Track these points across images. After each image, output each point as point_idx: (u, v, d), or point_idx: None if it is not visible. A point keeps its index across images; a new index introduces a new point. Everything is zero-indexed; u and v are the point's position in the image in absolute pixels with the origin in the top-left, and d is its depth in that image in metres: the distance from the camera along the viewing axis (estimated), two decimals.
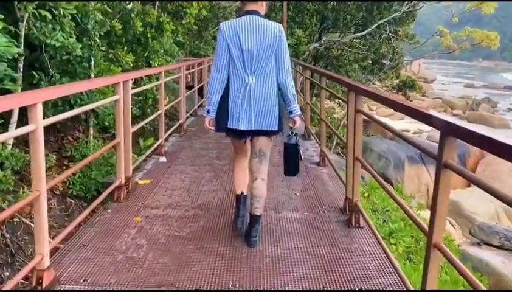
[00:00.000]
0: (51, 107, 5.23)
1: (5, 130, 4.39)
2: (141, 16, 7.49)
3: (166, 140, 6.36)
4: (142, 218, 3.58)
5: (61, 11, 4.66)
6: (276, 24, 3.00)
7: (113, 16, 6.62)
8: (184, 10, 9.17)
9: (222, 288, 2.59)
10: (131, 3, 7.20)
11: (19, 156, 4.48)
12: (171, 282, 2.63)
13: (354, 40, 18.02)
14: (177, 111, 8.71)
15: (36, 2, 4.46)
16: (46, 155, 5.21)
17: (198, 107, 9.88)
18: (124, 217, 3.59)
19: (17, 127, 4.49)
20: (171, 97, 9.63)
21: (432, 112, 1.91)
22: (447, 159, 1.75)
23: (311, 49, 17.17)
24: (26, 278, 2.94)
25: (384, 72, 18.52)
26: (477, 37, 18.54)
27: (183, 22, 9.28)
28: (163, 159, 5.56)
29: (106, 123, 6.39)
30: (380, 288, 2.61)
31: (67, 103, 5.48)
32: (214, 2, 13.92)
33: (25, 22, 4.55)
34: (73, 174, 5.30)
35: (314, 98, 15.67)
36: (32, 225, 4.13)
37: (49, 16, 4.48)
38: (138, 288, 2.57)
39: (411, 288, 2.43)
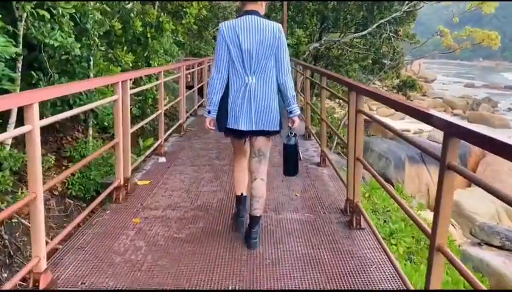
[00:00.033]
0: (50, 107, 5.21)
1: (4, 130, 4.36)
2: (141, 16, 7.46)
3: (165, 140, 6.34)
4: (141, 219, 3.55)
5: (60, 11, 4.63)
6: (275, 23, 2.99)
7: (112, 16, 6.58)
8: (184, 9, 9.14)
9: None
10: (131, 3, 7.16)
11: (18, 156, 4.45)
12: (170, 285, 2.60)
13: (355, 40, 17.99)
14: (177, 110, 8.68)
15: (35, 2, 4.42)
16: (45, 155, 5.24)
17: (198, 107, 9.85)
18: (123, 218, 3.56)
19: (15, 127, 4.45)
20: (171, 97, 9.60)
21: (435, 112, 1.87)
22: (450, 160, 1.72)
23: (311, 49, 17.14)
24: (24, 279, 2.92)
25: (384, 71, 18.49)
26: (478, 37, 18.52)
27: (183, 21, 9.25)
28: (162, 159, 5.53)
29: (106, 123, 6.36)
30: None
31: (66, 103, 5.45)
32: (214, 2, 13.89)
33: (23, 21, 4.51)
34: (72, 175, 5.28)
35: (314, 98, 15.63)
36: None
37: (47, 15, 4.45)
38: (138, 288, 2.55)
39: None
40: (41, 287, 2.38)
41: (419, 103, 29.71)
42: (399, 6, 17.08)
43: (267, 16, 3.16)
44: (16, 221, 4.33)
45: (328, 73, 6.18)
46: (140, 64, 7.73)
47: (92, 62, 5.81)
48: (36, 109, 2.22)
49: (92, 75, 5.79)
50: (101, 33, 5.91)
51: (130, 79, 4.28)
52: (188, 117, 8.57)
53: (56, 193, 5.16)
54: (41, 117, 2.41)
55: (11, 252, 4.14)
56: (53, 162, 5.21)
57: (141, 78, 7.85)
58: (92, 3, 5.51)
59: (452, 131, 1.70)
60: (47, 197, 4.96)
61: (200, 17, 10.64)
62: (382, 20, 16.71)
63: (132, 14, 7.06)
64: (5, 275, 3.89)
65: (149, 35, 7.53)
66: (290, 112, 3.12)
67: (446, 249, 1.76)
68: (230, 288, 2.59)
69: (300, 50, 15.88)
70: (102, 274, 2.68)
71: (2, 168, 4.32)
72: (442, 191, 1.76)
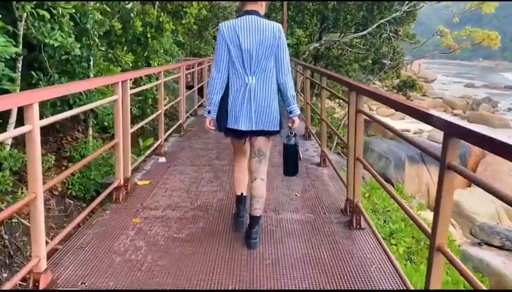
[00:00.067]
0: (50, 107, 5.21)
1: (4, 130, 4.36)
2: (141, 16, 7.46)
3: (165, 140, 6.33)
4: (141, 220, 3.54)
5: (60, 11, 4.63)
6: (275, 23, 2.99)
7: (112, 16, 6.58)
8: (184, 9, 9.13)
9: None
10: (130, 3, 7.16)
11: (18, 156, 4.45)
12: (170, 285, 2.59)
13: (355, 40, 17.98)
14: (177, 110, 8.68)
15: (35, 2, 4.42)
16: (45, 155, 5.23)
17: (198, 107, 9.85)
18: (123, 218, 3.56)
19: (15, 127, 4.45)
20: (171, 97, 9.60)
21: (435, 112, 1.87)
22: (450, 161, 1.72)
23: (311, 49, 17.14)
24: (24, 280, 2.92)
25: (384, 71, 18.49)
26: (478, 37, 18.52)
27: (183, 21, 9.24)
28: (162, 159, 5.53)
29: (106, 123, 6.36)
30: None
31: (66, 103, 5.45)
32: (214, 2, 13.89)
33: (23, 21, 4.51)
34: (72, 175, 5.28)
35: (314, 98, 15.62)
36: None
37: (47, 15, 4.45)
38: (138, 288, 2.55)
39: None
40: (41, 287, 2.38)
41: (419, 103, 29.70)
42: (399, 6, 17.07)
43: (267, 16, 3.17)
44: (16, 221, 4.33)
45: (328, 73, 6.18)
46: (140, 64, 7.73)
47: (92, 62, 5.81)
48: (36, 109, 2.22)
49: (92, 75, 5.78)
50: (101, 33, 5.90)
51: (130, 80, 4.28)
52: (188, 117, 8.57)
53: (56, 193, 5.16)
54: (41, 117, 2.41)
55: (11, 252, 4.14)
56: (53, 162, 5.21)
57: (141, 78, 7.85)
58: (92, 3, 5.51)
59: (452, 131, 1.70)
60: (47, 197, 4.96)
61: (201, 17, 10.64)
62: (382, 20, 16.70)
63: (132, 14, 7.06)
64: (5, 275, 3.89)
65: (149, 35, 7.53)
66: (290, 112, 3.12)
67: (446, 249, 1.76)
68: (230, 288, 2.58)
69: (300, 50, 15.87)
70: (102, 274, 2.68)
71: (2, 168, 4.32)
72: (442, 191, 1.76)
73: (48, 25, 4.63)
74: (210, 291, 2.56)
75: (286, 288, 2.59)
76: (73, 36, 5.00)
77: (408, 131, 25.80)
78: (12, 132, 2.69)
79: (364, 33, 17.03)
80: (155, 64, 7.82)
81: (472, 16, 30.57)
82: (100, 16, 5.67)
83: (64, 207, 5.16)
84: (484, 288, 1.66)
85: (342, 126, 16.02)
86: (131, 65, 6.82)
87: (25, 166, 4.53)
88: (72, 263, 2.79)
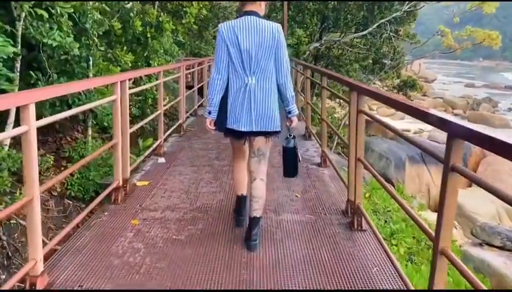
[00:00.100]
0: (49, 107, 5.18)
1: (2, 130, 4.34)
2: (141, 16, 7.43)
3: (165, 140, 6.30)
4: (140, 221, 3.51)
5: (58, 10, 4.59)
6: (274, 24, 2.98)
7: (112, 16, 6.55)
8: (184, 9, 9.10)
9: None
10: (130, 3, 7.13)
11: (16, 156, 4.42)
12: (168, 288, 2.56)
13: (355, 40, 17.95)
14: (177, 110, 8.65)
15: (33, 2, 4.39)
16: (44, 155, 5.20)
17: (198, 107, 9.82)
18: (121, 220, 3.52)
19: (14, 127, 4.42)
20: (171, 97, 9.57)
21: (439, 113, 1.83)
22: (454, 162, 1.68)
23: (312, 49, 17.10)
24: (22, 281, 2.88)
25: (384, 71, 18.46)
26: (479, 36, 18.49)
27: (183, 21, 9.21)
28: (162, 159, 5.50)
29: (105, 124, 6.34)
30: None
31: (65, 103, 5.42)
32: (214, 2, 13.86)
33: (22, 21, 4.48)
34: (71, 175, 5.25)
35: (314, 98, 15.59)
36: None
37: (46, 15, 4.41)
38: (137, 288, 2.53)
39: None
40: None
41: (419, 103, 29.66)
42: (399, 6, 17.04)
43: (267, 16, 3.15)
44: (15, 222, 4.30)
45: (329, 73, 6.14)
46: (140, 64, 7.70)
47: (91, 62, 5.78)
48: (32, 110, 2.18)
49: (91, 75, 5.75)
50: (101, 33, 5.88)
51: (129, 79, 4.25)
52: (188, 117, 8.53)
53: (55, 193, 5.13)
54: (41, 117, 2.38)
55: (10, 253, 4.12)
56: (52, 162, 5.18)
57: (141, 78, 7.82)
58: (91, 2, 5.48)
59: (456, 132, 1.66)
60: (46, 198, 4.93)
61: (201, 17, 10.60)
62: (382, 20, 16.68)
63: (131, 14, 7.02)
64: (3, 276, 3.86)
65: (149, 35, 7.50)
66: (289, 112, 3.14)
67: (449, 252, 1.73)
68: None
69: (300, 50, 15.85)
70: (100, 277, 2.64)
71: (0, 169, 4.29)
72: (446, 193, 1.73)
73: (47, 25, 4.60)
74: (210, 291, 2.54)
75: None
76: (72, 36, 4.97)
77: (409, 130, 25.76)
78: (8, 132, 2.66)
79: (364, 32, 17.00)
80: (155, 64, 7.79)
81: (473, 16, 30.55)
82: (99, 16, 5.64)
83: (63, 207, 5.13)
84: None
85: (343, 126, 15.99)
86: (130, 65, 6.79)
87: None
88: (70, 265, 2.75)
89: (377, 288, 2.59)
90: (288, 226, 3.47)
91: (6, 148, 4.55)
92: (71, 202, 5.23)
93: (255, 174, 3.15)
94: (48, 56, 5.03)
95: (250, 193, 3.17)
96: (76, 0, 5.13)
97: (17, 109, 4.29)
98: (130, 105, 7.64)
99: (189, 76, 11.55)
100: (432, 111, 1.89)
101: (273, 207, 3.88)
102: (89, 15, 5.41)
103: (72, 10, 4.86)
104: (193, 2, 9.32)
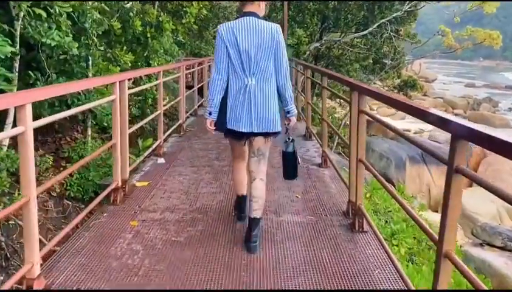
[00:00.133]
0: (48, 107, 5.14)
1: (1, 130, 4.31)
2: (141, 16, 7.39)
3: (165, 140, 6.27)
4: (138, 222, 3.47)
5: (57, 10, 4.56)
6: (273, 24, 2.98)
7: (111, 15, 6.51)
8: (184, 9, 9.07)
9: None
10: (130, 2, 7.09)
11: (15, 157, 4.38)
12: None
13: (355, 39, 17.91)
14: (177, 110, 8.62)
15: (31, 1, 4.35)
16: (43, 156, 5.17)
17: (198, 107, 9.79)
18: (120, 221, 3.49)
19: (13, 128, 4.39)
20: (171, 97, 9.54)
21: (443, 114, 1.79)
22: (459, 164, 1.64)
23: (312, 49, 17.07)
24: (20, 283, 2.85)
25: (385, 71, 18.42)
26: (479, 36, 18.45)
27: (183, 21, 9.18)
28: (161, 160, 5.46)
29: (105, 124, 6.30)
30: None
31: (64, 103, 5.39)
32: (214, 2, 13.83)
33: (20, 20, 4.45)
34: (71, 176, 5.22)
35: (314, 98, 15.56)
36: None
37: (44, 14, 4.38)
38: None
39: None
40: None
41: (419, 103, 29.57)
42: (400, 6, 17.01)
43: (267, 16, 3.14)
44: (13, 222, 4.26)
45: (329, 72, 6.11)
46: (140, 64, 7.67)
47: (90, 62, 5.74)
48: (28, 110, 2.15)
49: (90, 74, 5.72)
50: (100, 33, 5.84)
51: (129, 79, 4.21)
52: (188, 117, 8.51)
53: (55, 194, 5.10)
54: (40, 118, 2.35)
55: (8, 254, 4.08)
56: (51, 163, 5.15)
57: (141, 78, 7.79)
58: (90, 2, 5.44)
59: (461, 133, 1.63)
60: (45, 198, 4.90)
61: (201, 17, 10.58)
62: (383, 20, 16.64)
63: (131, 14, 6.99)
64: (1, 277, 3.83)
65: (149, 35, 7.47)
66: (288, 112, 3.16)
67: (454, 256, 1.69)
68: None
69: (300, 50, 15.81)
70: (98, 279, 2.61)
71: None
72: (450, 195, 1.69)
73: (46, 24, 4.56)
74: (210, 291, 2.52)
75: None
76: (71, 36, 4.94)
77: (409, 131, 25.74)
78: (4, 133, 2.62)
79: (365, 32, 16.96)
80: (155, 64, 7.75)
81: (473, 16, 30.53)
82: (98, 15, 5.60)
83: (62, 208, 5.10)
84: None
85: (343, 126, 15.96)
86: (130, 65, 6.76)
87: None
88: (68, 267, 2.72)
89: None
90: (288, 227, 3.44)
91: (5, 148, 4.52)
92: (70, 203, 5.20)
93: (254, 174, 3.14)
94: (47, 56, 5.00)
95: (249, 193, 3.16)
96: (75, 0, 5.09)
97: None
98: (130, 105, 7.64)
99: (189, 76, 11.53)
100: (436, 112, 1.85)
101: (273, 208, 3.84)
102: (88, 14, 5.37)
103: (71, 10, 4.82)
104: (193, 2, 9.29)
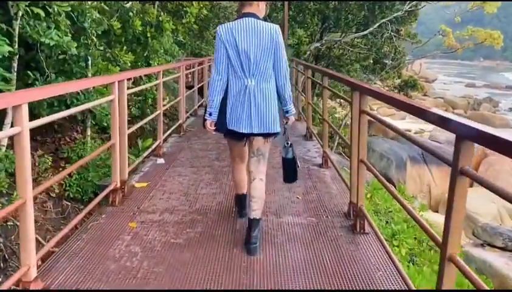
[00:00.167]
0: (47, 107, 5.11)
1: (0, 130, 4.28)
2: (141, 15, 7.36)
3: (165, 140, 6.23)
4: (137, 224, 3.44)
5: (55, 9, 4.52)
6: (273, 25, 2.97)
7: (111, 15, 6.48)
8: (184, 9, 9.04)
9: None
10: (129, 2, 7.06)
11: (14, 157, 4.35)
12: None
13: (356, 39, 17.87)
14: (177, 110, 8.58)
15: (29, 1, 4.32)
16: (42, 156, 5.14)
17: (198, 107, 9.75)
18: (119, 222, 3.45)
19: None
20: (171, 97, 9.51)
21: (447, 114, 1.75)
22: (463, 165, 1.60)
23: (312, 49, 17.02)
24: (17, 285, 2.82)
25: (385, 71, 18.37)
26: (480, 36, 18.41)
27: (184, 21, 9.15)
28: (161, 160, 5.43)
29: (105, 124, 6.26)
30: None
31: (63, 103, 5.35)
32: (214, 2, 13.80)
33: (19, 20, 4.41)
34: (70, 176, 5.19)
35: (315, 98, 15.52)
36: None
37: (42, 13, 4.34)
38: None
39: None
40: None
41: (420, 103, 29.51)
42: (400, 5, 16.97)
43: (268, 15, 3.12)
44: (12, 223, 4.23)
45: (330, 72, 6.08)
46: (139, 64, 7.64)
47: (90, 62, 5.71)
48: (25, 110, 2.11)
49: (90, 74, 5.69)
50: (100, 32, 5.81)
51: (128, 79, 4.18)
52: (188, 117, 8.47)
53: (54, 195, 5.07)
54: (38, 118, 2.31)
55: (6, 255, 4.05)
56: (50, 163, 5.12)
57: (141, 78, 7.76)
58: (89, 1, 5.41)
59: (466, 134, 1.59)
60: (44, 199, 4.87)
61: (201, 17, 10.56)
62: (383, 20, 16.60)
63: (131, 13, 6.95)
64: None
65: (149, 35, 7.44)
66: (287, 112, 3.18)
67: (458, 259, 1.65)
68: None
69: (301, 50, 15.78)
70: (96, 281, 2.58)
71: None
72: (454, 197, 1.65)
73: (44, 24, 4.53)
74: (210, 291, 2.50)
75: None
76: (70, 35, 4.90)
77: (409, 131, 25.69)
78: (0, 133, 2.59)
79: (365, 32, 16.92)
80: (156, 64, 7.73)
81: (473, 16, 30.49)
82: (97, 15, 5.57)
83: (61, 209, 5.07)
84: None
85: (343, 126, 15.93)
86: (130, 65, 6.73)
87: None
88: (65, 269, 2.69)
89: None
90: (289, 229, 3.40)
91: (4, 148, 4.49)
92: (69, 204, 5.17)
93: (254, 174, 3.13)
94: (46, 56, 4.97)
95: (249, 193, 3.15)
96: (74, 0, 5.06)
97: None
98: (130, 105, 7.61)
99: (189, 76, 11.50)
100: (439, 112, 1.82)
101: (273, 209, 3.81)
102: (88, 14, 5.34)
103: (70, 9, 4.79)
104: (193, 2, 9.26)
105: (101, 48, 6.05)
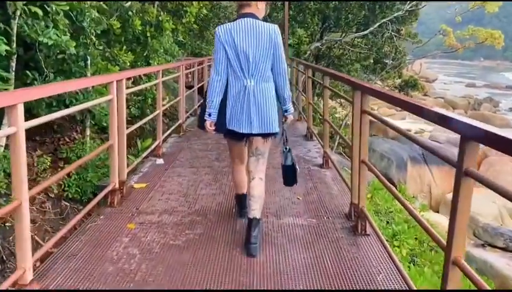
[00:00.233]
0: (46, 107, 5.08)
1: None
2: (140, 15, 7.33)
3: (164, 141, 6.19)
4: (136, 225, 3.40)
5: (54, 8, 4.49)
6: (271, 25, 2.96)
7: (110, 14, 6.45)
8: (184, 8, 9.01)
9: None
10: (129, 2, 7.02)
11: None
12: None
13: (356, 39, 17.85)
14: (177, 110, 8.55)
15: (26, 0, 4.29)
16: (41, 156, 5.11)
17: (198, 107, 9.71)
18: (117, 224, 3.41)
19: None
20: (171, 97, 9.48)
21: (452, 114, 1.71)
22: (468, 166, 1.57)
23: (313, 48, 17.00)
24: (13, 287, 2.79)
25: (386, 71, 18.35)
26: (481, 36, 18.38)
27: (184, 21, 9.13)
28: (160, 160, 5.39)
29: (104, 124, 6.23)
30: None
31: (62, 103, 5.32)
32: (215, 2, 13.78)
33: (17, 19, 4.38)
34: (69, 177, 5.16)
35: (315, 98, 15.49)
36: None
37: (40, 12, 4.31)
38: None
39: None
40: None
41: (423, 103, 29.43)
42: (401, 5, 16.94)
43: (268, 15, 3.10)
44: (10, 224, 4.20)
45: (331, 72, 6.04)
46: (139, 63, 7.61)
47: (89, 62, 5.68)
48: (20, 110, 2.07)
49: (89, 74, 5.66)
50: (99, 32, 5.78)
51: (128, 79, 4.14)
52: (188, 117, 8.43)
53: (52, 195, 5.04)
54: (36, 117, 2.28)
55: (4, 257, 4.03)
56: (49, 163, 5.09)
57: (140, 78, 7.73)
58: (88, 1, 5.38)
59: (471, 135, 1.55)
60: (43, 199, 4.84)
61: (201, 17, 10.53)
62: (384, 20, 16.57)
63: (130, 13, 6.92)
64: None
65: (148, 34, 7.41)
66: (286, 111, 3.20)
67: (463, 262, 1.61)
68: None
69: (301, 50, 15.76)
70: (93, 284, 2.54)
71: None
72: (459, 198, 1.61)
73: (42, 23, 4.50)
74: (210, 291, 2.48)
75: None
76: (69, 35, 4.87)
77: (410, 131, 25.66)
78: None
79: (366, 32, 16.90)
80: (155, 64, 7.70)
81: (473, 16, 30.47)
82: (97, 14, 5.54)
83: (60, 209, 5.04)
84: None
85: (344, 126, 15.89)
86: (129, 64, 6.70)
87: None
88: (63, 271, 2.65)
89: None
90: (289, 230, 3.36)
91: (2, 149, 4.47)
92: (68, 204, 5.14)
93: (253, 174, 3.12)
94: (45, 56, 4.94)
95: (248, 192, 3.14)
96: (72, 0, 5.03)
97: None
98: (129, 105, 7.58)
99: (189, 75, 11.47)
100: (443, 112, 1.78)
101: (274, 210, 3.77)
102: (87, 13, 5.31)
103: (68, 8, 4.75)
104: (193, 2, 9.23)
105: (101, 47, 6.02)
